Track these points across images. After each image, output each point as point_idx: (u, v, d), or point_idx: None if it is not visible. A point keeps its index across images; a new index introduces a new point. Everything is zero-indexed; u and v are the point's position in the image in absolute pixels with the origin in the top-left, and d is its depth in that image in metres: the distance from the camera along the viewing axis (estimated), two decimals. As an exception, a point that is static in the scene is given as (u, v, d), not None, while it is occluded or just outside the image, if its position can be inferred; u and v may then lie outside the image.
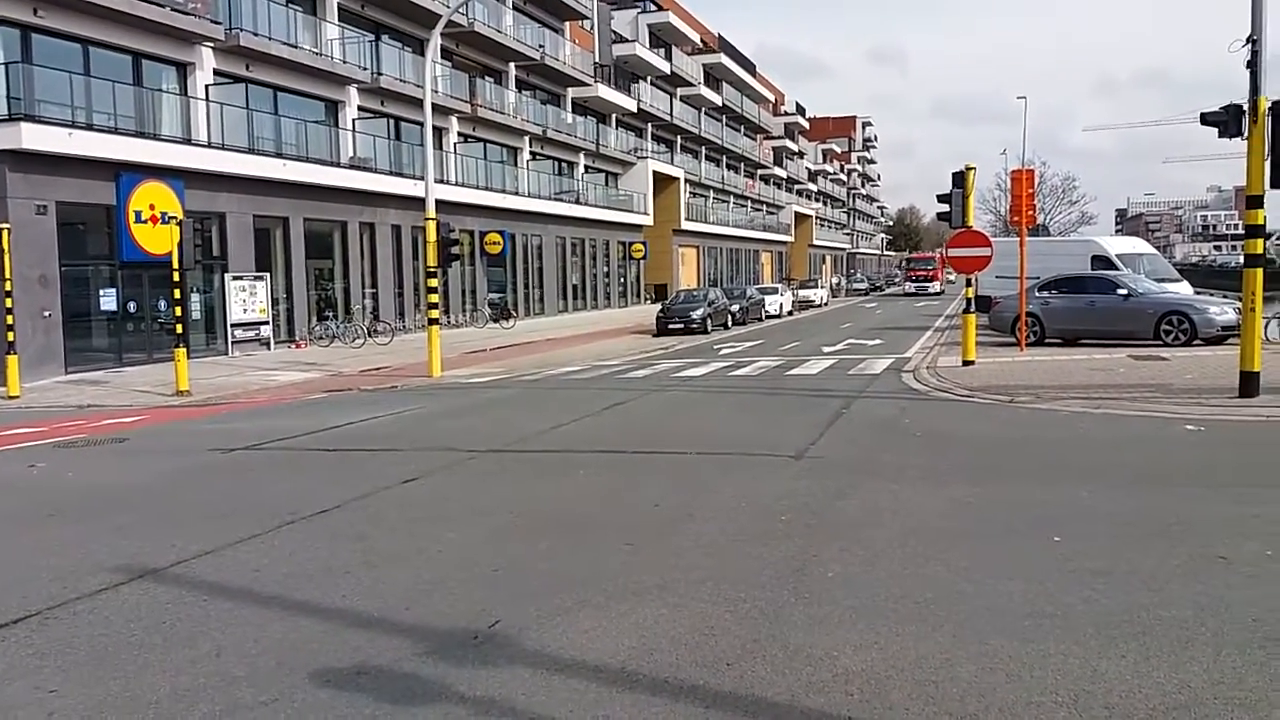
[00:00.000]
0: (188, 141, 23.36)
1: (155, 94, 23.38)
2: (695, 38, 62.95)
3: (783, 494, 7.44)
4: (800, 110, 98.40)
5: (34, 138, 18.79)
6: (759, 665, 4.21)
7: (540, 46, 40.57)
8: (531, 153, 41.59)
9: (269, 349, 25.38)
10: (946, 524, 6.48)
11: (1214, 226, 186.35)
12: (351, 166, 28.55)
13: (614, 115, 50.75)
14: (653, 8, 56.33)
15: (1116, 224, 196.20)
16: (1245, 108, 11.45)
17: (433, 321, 19.60)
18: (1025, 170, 22.46)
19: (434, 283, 20.15)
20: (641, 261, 52.39)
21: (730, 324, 33.90)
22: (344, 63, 29.11)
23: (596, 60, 48.09)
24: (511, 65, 40.05)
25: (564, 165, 45.58)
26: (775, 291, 43.97)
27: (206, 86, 24.66)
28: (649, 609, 4.97)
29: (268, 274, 25.67)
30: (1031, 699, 3.79)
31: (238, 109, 25.16)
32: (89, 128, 20.53)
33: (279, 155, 25.75)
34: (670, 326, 30.74)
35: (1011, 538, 6.08)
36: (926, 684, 3.96)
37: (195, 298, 23.71)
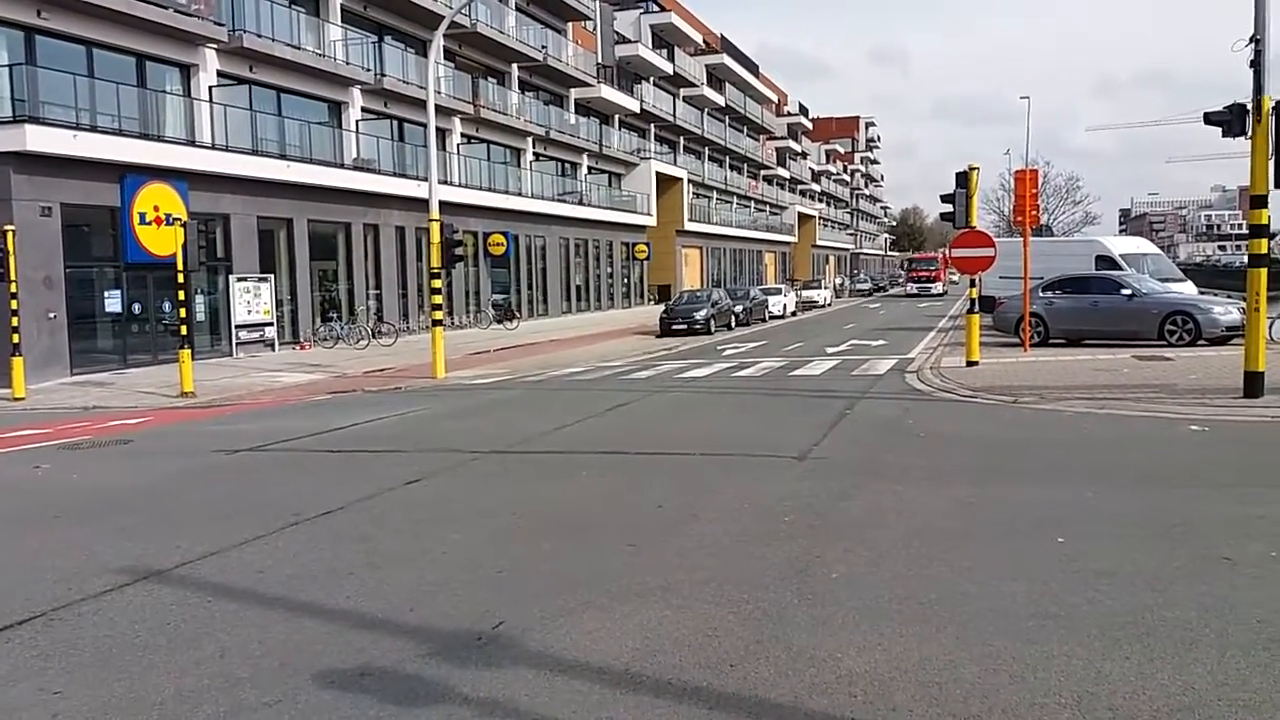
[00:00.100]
0: (192, 143, 23.39)
1: (159, 95, 23.42)
2: (698, 38, 62.92)
3: (786, 495, 7.44)
4: (803, 111, 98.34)
5: (38, 139, 18.83)
6: (762, 667, 4.21)
7: (543, 47, 40.60)
8: (535, 154, 41.61)
9: (273, 350, 25.41)
10: (950, 525, 6.47)
11: (1218, 226, 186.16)
12: (355, 168, 28.58)
13: (617, 116, 50.76)
14: (655, 8, 56.32)
15: (1120, 224, 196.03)
16: (1249, 107, 11.44)
17: (436, 323, 19.61)
18: (1029, 170, 22.44)
19: (438, 284, 20.16)
20: (645, 262, 52.40)
21: (734, 325, 33.89)
22: (347, 64, 29.15)
23: (599, 61, 48.10)
24: (514, 66, 40.07)
25: (567, 166, 45.60)
26: (779, 292, 43.93)
27: (210, 88, 24.69)
28: (652, 610, 4.97)
29: (272, 275, 25.70)
30: (1035, 700, 3.78)
31: (241, 110, 25.20)
32: (93, 129, 20.57)
33: (283, 157, 25.79)
34: (674, 327, 30.73)
35: (1015, 539, 6.08)
36: (930, 685, 3.96)
37: (199, 299, 23.73)
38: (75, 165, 19.80)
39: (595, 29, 48.93)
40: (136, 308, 22.08)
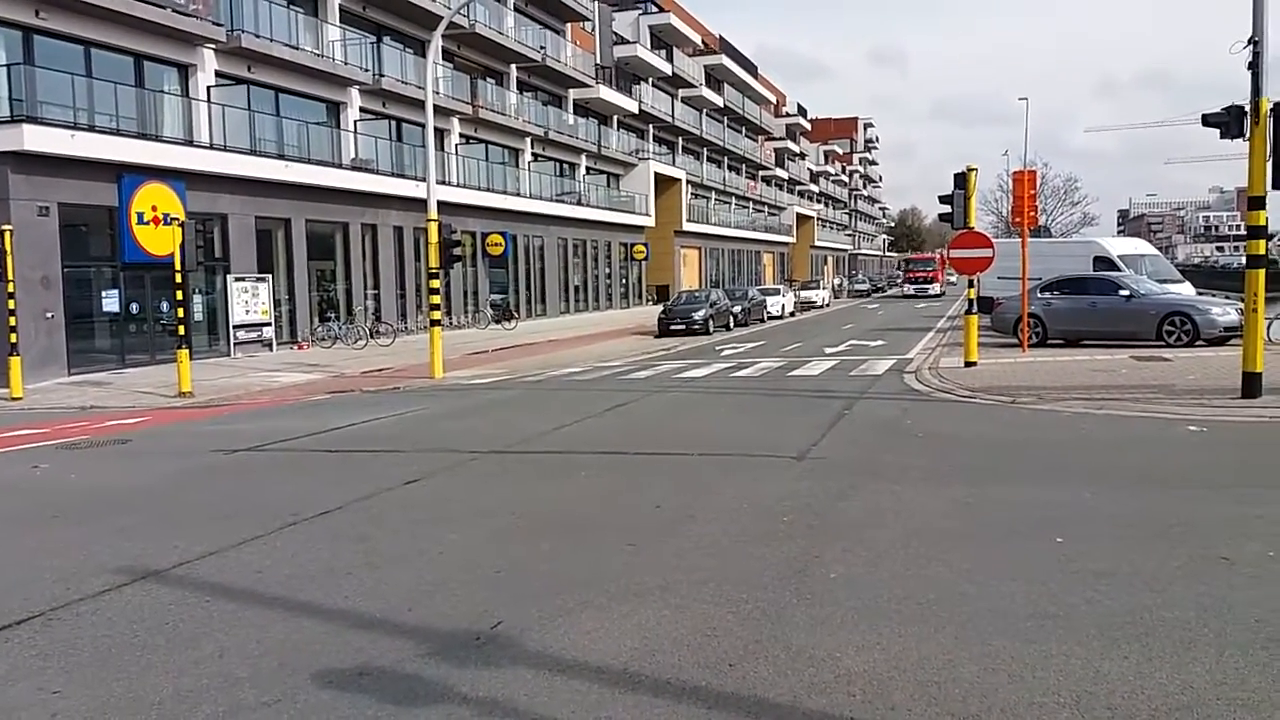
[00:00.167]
0: (189, 143, 23.38)
1: (157, 95, 23.41)
2: (696, 39, 62.96)
3: (785, 495, 7.44)
4: (801, 111, 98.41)
5: (36, 139, 18.82)
6: (761, 666, 4.21)
7: (541, 48, 40.61)
8: (533, 154, 41.62)
9: (271, 350, 25.40)
10: (949, 525, 6.48)
11: (1216, 227, 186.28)
12: (353, 168, 28.57)
13: (615, 116, 50.78)
14: (654, 9, 56.36)
15: (1118, 225, 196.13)
16: (1247, 109, 11.45)
17: (435, 323, 19.61)
18: (1027, 171, 22.47)
19: (436, 284, 20.16)
20: (643, 263, 52.42)
21: (732, 325, 33.90)
22: (345, 64, 29.14)
23: (598, 62, 48.10)
24: (513, 67, 40.08)
25: (566, 166, 45.61)
26: (777, 293, 43.93)
27: (208, 88, 24.68)
28: (651, 610, 4.97)
29: (270, 275, 25.69)
30: (1034, 700, 3.79)
31: (239, 110, 25.19)
32: (91, 129, 20.56)
33: (281, 157, 25.78)
34: (672, 328, 30.73)
35: (1014, 539, 6.08)
36: (929, 685, 3.96)
37: (197, 299, 23.73)
38: (73, 165, 19.78)
39: (594, 30, 48.93)
40: (134, 307, 22.07)
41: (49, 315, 19.68)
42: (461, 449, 10.33)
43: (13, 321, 17.43)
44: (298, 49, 27.20)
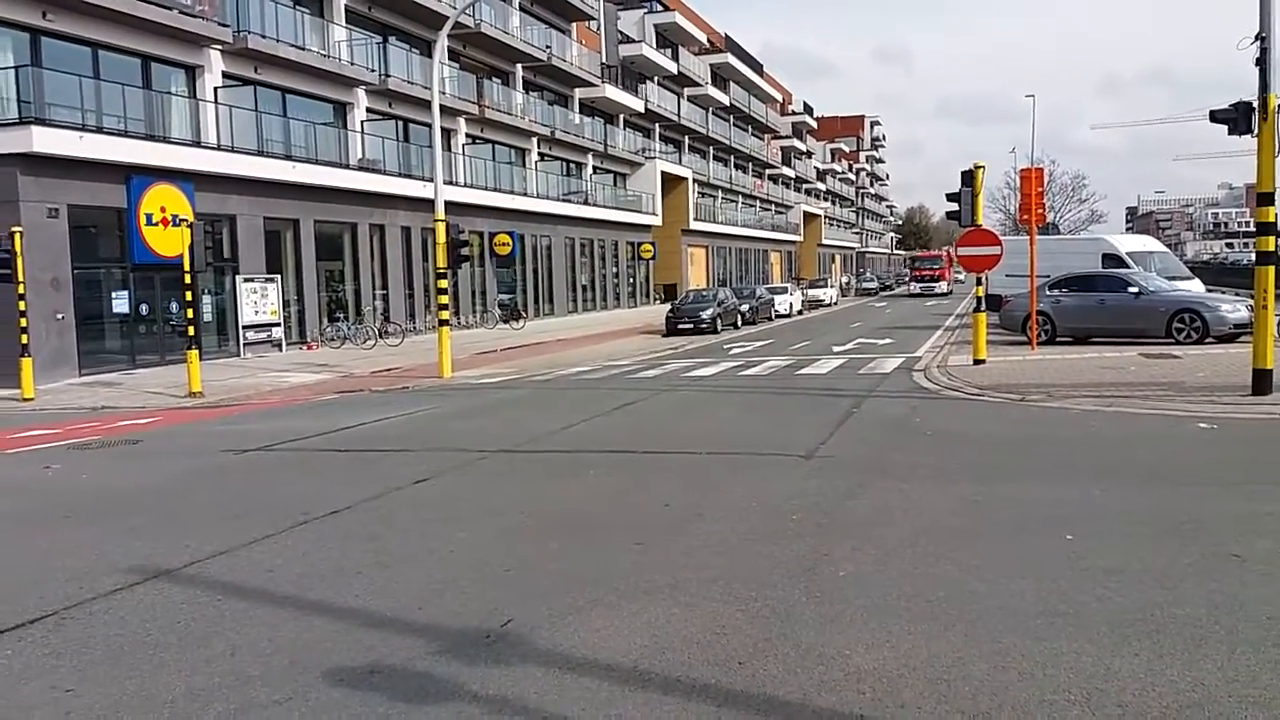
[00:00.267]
0: (197, 144, 23.45)
1: (164, 97, 23.50)
2: (702, 38, 62.92)
3: (793, 493, 7.44)
4: (808, 110, 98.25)
5: (45, 141, 18.88)
6: (771, 664, 4.21)
7: (547, 47, 40.62)
8: (540, 154, 41.64)
9: (280, 350, 25.47)
10: (958, 523, 6.47)
11: (1225, 224, 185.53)
12: (360, 168, 28.62)
13: (621, 116, 50.78)
14: (659, 8, 56.31)
15: (1127, 222, 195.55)
16: (1254, 105, 11.41)
17: (443, 322, 19.64)
18: (1034, 169, 22.41)
19: (444, 284, 20.19)
20: (650, 262, 52.39)
21: (740, 324, 33.88)
22: (352, 65, 29.19)
23: (603, 61, 48.11)
24: (519, 66, 40.10)
25: (572, 166, 45.62)
26: (784, 291, 43.86)
27: (215, 89, 24.75)
28: (660, 608, 4.98)
29: (278, 276, 25.76)
30: (1044, 697, 3.78)
31: (246, 111, 25.25)
32: (99, 131, 20.62)
33: (288, 157, 25.84)
34: (680, 326, 30.73)
35: (1023, 536, 6.07)
36: (939, 682, 3.96)
37: (207, 300, 23.79)
38: (81, 166, 19.86)
39: (599, 29, 48.94)
40: (144, 308, 22.15)
41: (59, 316, 19.76)
42: (470, 448, 10.35)
43: (24, 323, 17.50)
44: (304, 49, 27.24)
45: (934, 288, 59.96)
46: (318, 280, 27.72)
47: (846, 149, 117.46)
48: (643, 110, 51.80)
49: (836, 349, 22.73)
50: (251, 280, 24.69)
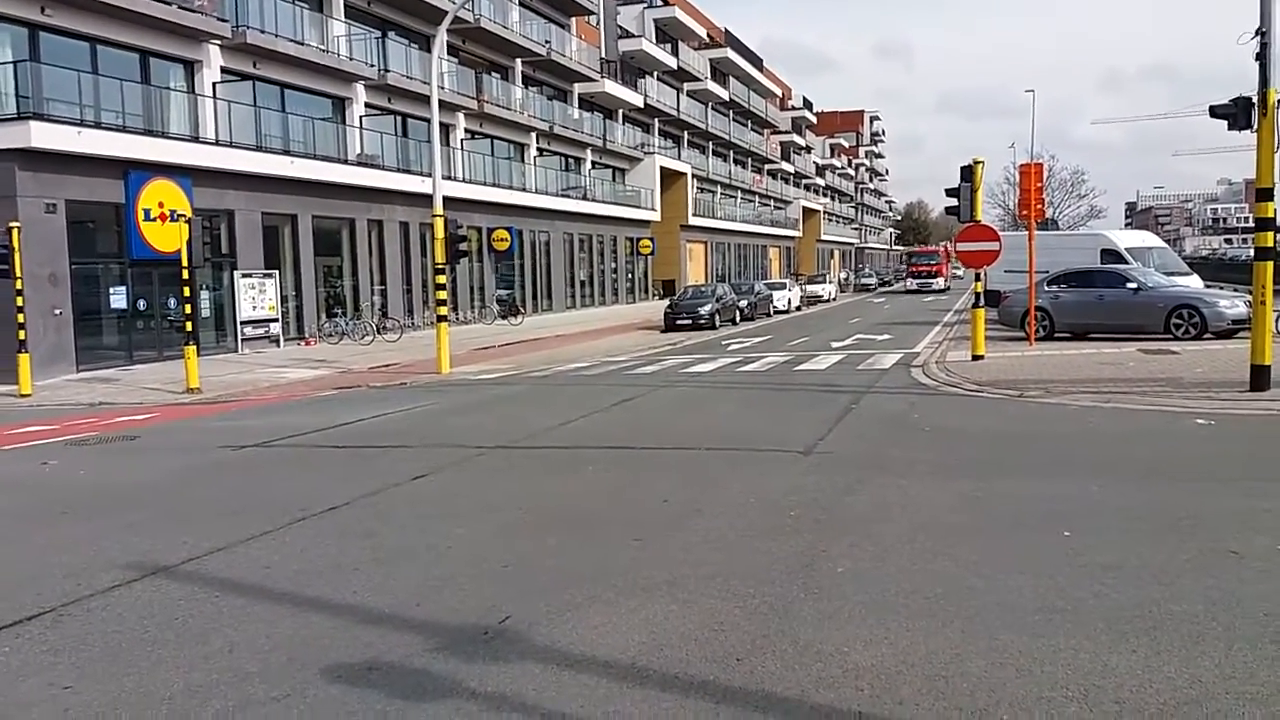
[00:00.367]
0: (196, 139, 23.42)
1: (163, 92, 23.45)
2: (702, 32, 62.83)
3: (791, 489, 7.44)
4: (807, 105, 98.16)
5: (43, 136, 18.86)
6: (769, 660, 4.21)
7: (546, 42, 40.56)
8: (538, 149, 41.60)
9: (278, 346, 25.46)
10: (956, 519, 6.47)
11: (1224, 220, 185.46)
12: (359, 163, 28.59)
13: (621, 111, 50.73)
14: (659, 3, 56.17)
15: (1126, 217, 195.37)
16: (1254, 100, 11.41)
17: (441, 318, 19.63)
18: (1034, 164, 22.39)
19: (442, 279, 20.18)
20: (649, 257, 52.36)
21: (738, 319, 33.87)
22: (351, 60, 29.15)
23: (603, 56, 48.05)
24: (518, 61, 40.04)
25: (571, 161, 45.57)
26: (783, 287, 43.79)
27: (214, 84, 24.71)
28: (658, 604, 4.98)
29: (276, 271, 25.72)
30: (1042, 694, 3.79)
31: (245, 106, 25.20)
32: (97, 126, 20.60)
33: (287, 153, 25.79)
34: (678, 322, 30.73)
35: (1021, 532, 6.08)
36: (936, 679, 3.96)
37: (205, 295, 23.75)
38: (80, 162, 19.83)
39: (599, 24, 48.89)
40: (142, 304, 22.12)
41: (57, 312, 19.74)
42: (468, 444, 10.35)
43: (21, 318, 17.47)
44: (303, 44, 27.20)
45: (931, 284, 58.67)
46: (316, 276, 27.69)
47: (846, 144, 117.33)
48: (642, 105, 51.74)
49: (835, 345, 22.73)
50: (249, 276, 24.66)
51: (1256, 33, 11.29)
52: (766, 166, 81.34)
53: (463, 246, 20.41)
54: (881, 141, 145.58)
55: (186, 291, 17.44)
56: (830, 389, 14.24)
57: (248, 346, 24.54)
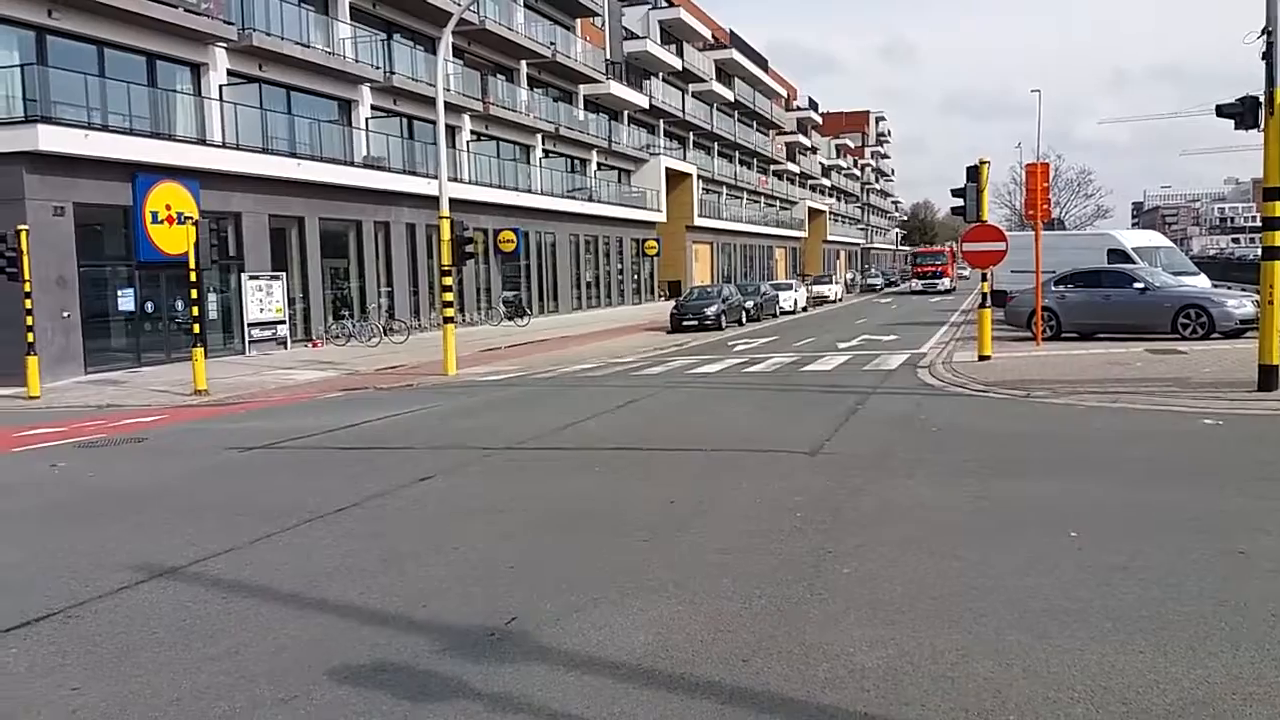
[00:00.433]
0: (202, 142, 23.49)
1: (170, 95, 23.54)
2: (707, 33, 62.83)
3: (798, 490, 7.44)
4: (813, 105, 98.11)
5: (50, 139, 18.92)
6: (775, 661, 4.21)
7: (552, 44, 40.59)
8: (544, 150, 41.63)
9: (285, 348, 25.51)
10: (962, 519, 6.46)
11: (1231, 219, 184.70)
12: (365, 165, 28.64)
13: (626, 112, 50.75)
14: (664, 4, 56.21)
15: (1133, 217, 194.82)
16: (1261, 99, 11.36)
17: (448, 320, 19.65)
18: (1040, 164, 22.36)
19: (448, 281, 20.20)
20: (655, 258, 52.36)
21: (744, 320, 33.85)
22: (357, 62, 29.20)
23: (608, 57, 48.07)
24: (523, 63, 40.08)
25: (577, 163, 45.60)
26: (789, 287, 43.78)
27: (220, 87, 24.78)
28: (665, 605, 4.98)
29: (284, 273, 25.79)
30: (1048, 695, 3.78)
31: (252, 109, 25.28)
32: (105, 129, 20.67)
33: (293, 155, 25.86)
34: (684, 323, 30.73)
35: (1027, 533, 6.06)
36: (943, 680, 3.96)
37: (212, 297, 23.85)
38: (87, 165, 19.90)
39: (604, 25, 48.92)
40: (150, 306, 22.20)
41: (65, 315, 19.81)
42: (475, 445, 10.36)
43: (30, 321, 17.56)
44: (309, 47, 27.26)
45: (936, 285, 57.77)
46: (323, 278, 27.75)
47: (852, 145, 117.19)
48: (647, 106, 51.76)
49: (841, 345, 22.71)
50: (257, 278, 24.73)
51: (1263, 32, 11.24)
52: (772, 167, 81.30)
53: (469, 248, 20.41)
54: (887, 142, 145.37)
55: (194, 294, 17.50)
56: (836, 389, 14.22)
57: (255, 348, 24.60)
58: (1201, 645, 4.18)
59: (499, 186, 36.04)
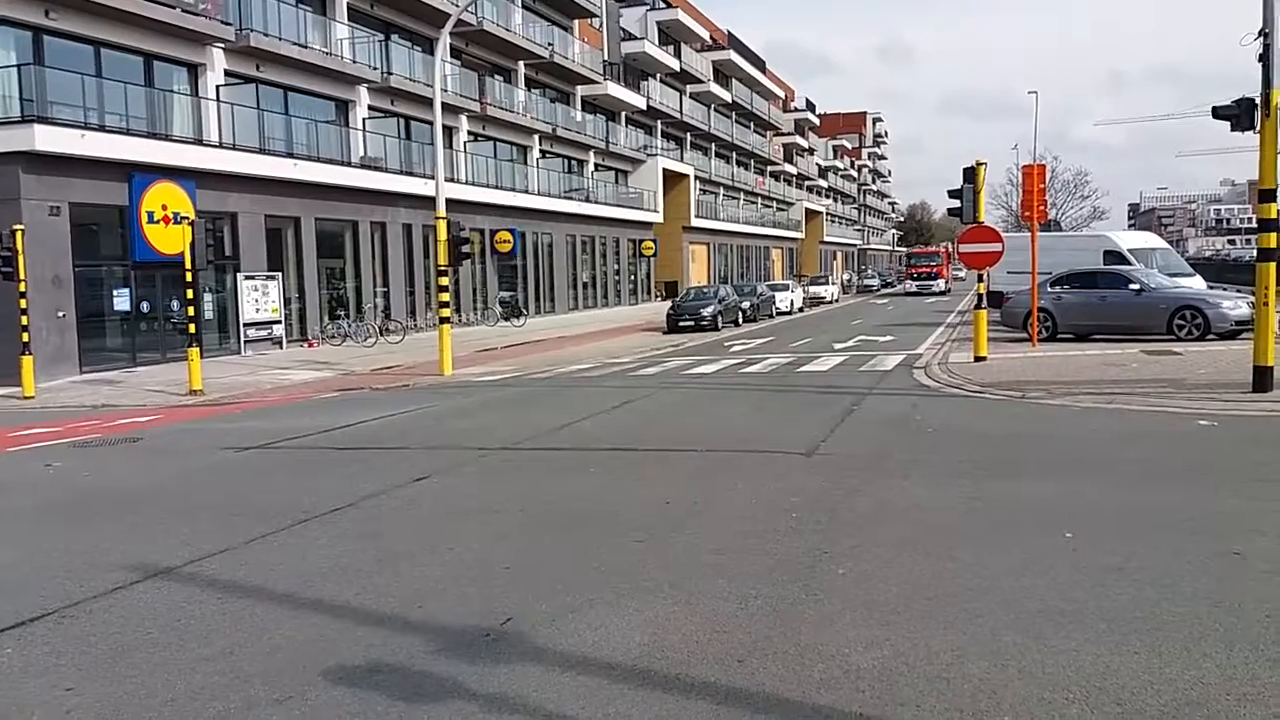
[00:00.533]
0: (199, 142, 23.46)
1: (166, 95, 23.51)
2: (704, 34, 62.86)
3: (794, 491, 7.44)
4: (810, 106, 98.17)
5: (47, 139, 18.89)
6: (770, 662, 4.21)
7: (549, 45, 40.59)
8: (541, 151, 41.62)
9: (281, 348, 25.49)
10: (957, 520, 6.47)
11: (1227, 220, 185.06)
12: (362, 166, 28.62)
13: (623, 113, 50.75)
14: (662, 5, 56.23)
15: (1129, 218, 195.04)
16: (1257, 101, 11.39)
17: (444, 320, 19.65)
18: (1037, 165, 22.38)
19: (445, 281, 20.20)
20: (651, 259, 52.37)
21: (741, 321, 33.87)
22: (354, 62, 29.19)
23: (605, 58, 48.07)
24: (521, 64, 40.08)
25: (574, 163, 45.60)
26: (786, 288, 43.80)
27: (217, 87, 24.76)
28: (660, 606, 4.98)
29: (280, 273, 25.77)
30: (1043, 695, 3.78)
31: (248, 109, 25.25)
32: (101, 129, 20.64)
33: (290, 155, 25.84)
34: (681, 324, 30.74)
35: (1023, 534, 6.07)
36: (938, 680, 3.96)
37: (208, 297, 23.79)
38: (83, 165, 19.87)
39: (601, 26, 48.91)
40: (145, 306, 22.16)
41: (61, 314, 19.78)
42: (470, 446, 10.36)
43: (25, 321, 17.53)
44: (306, 47, 27.24)
45: (931, 286, 57.06)
46: (319, 278, 27.74)
47: (849, 145, 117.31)
48: (644, 107, 51.76)
49: (837, 346, 22.72)
50: (253, 278, 24.70)
51: (1259, 34, 11.27)
52: (769, 168, 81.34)
53: (465, 248, 20.40)
54: (884, 143, 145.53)
55: (190, 294, 17.48)
56: (832, 390, 14.23)
57: (251, 348, 24.57)
58: (1196, 646, 4.19)
59: (496, 187, 36.02)
